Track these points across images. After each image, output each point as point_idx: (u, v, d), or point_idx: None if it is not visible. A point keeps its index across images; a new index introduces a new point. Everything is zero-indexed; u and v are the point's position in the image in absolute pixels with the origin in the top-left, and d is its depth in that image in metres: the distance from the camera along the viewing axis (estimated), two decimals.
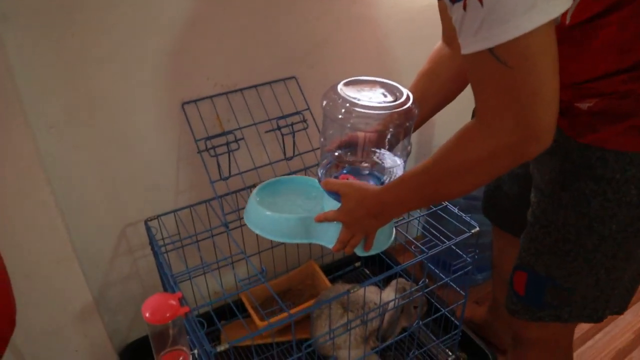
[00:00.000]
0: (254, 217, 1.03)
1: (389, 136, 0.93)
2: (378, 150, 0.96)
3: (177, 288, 0.99)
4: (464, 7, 0.58)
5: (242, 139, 1.19)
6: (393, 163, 0.97)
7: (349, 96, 0.90)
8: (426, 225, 1.19)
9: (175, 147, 1.22)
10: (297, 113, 1.25)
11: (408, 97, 0.91)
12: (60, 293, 1.15)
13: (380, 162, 0.96)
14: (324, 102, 0.93)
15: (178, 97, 1.17)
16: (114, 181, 1.18)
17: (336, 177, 0.96)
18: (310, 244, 1.33)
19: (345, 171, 0.96)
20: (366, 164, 0.97)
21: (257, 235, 1.02)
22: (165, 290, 1.22)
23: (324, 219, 0.93)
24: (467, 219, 1.14)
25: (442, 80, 0.96)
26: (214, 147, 1.15)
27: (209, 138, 1.16)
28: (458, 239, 1.09)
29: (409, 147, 0.97)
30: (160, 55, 1.10)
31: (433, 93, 0.97)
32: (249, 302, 1.42)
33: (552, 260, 0.83)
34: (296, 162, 1.26)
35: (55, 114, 1.04)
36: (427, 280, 1.09)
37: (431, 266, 1.12)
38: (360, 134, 0.94)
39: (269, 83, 1.25)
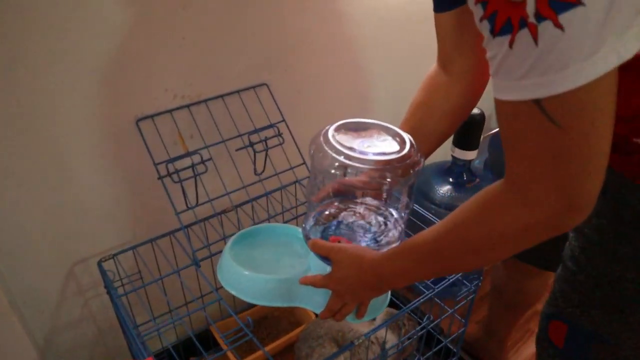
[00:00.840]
0: (229, 276, 0.89)
1: (387, 187, 0.79)
2: (374, 202, 0.82)
3: (146, 351, 0.83)
4: (510, 44, 0.45)
5: (210, 159, 1.01)
6: (392, 218, 0.83)
7: (342, 146, 0.75)
8: None
9: (130, 172, 1.04)
10: (270, 126, 1.08)
11: (412, 146, 0.77)
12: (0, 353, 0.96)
13: (376, 215, 0.83)
14: (312, 150, 0.79)
15: (131, 113, 0.98)
16: (56, 214, 0.99)
17: (325, 236, 0.82)
18: None
19: (335, 224, 0.83)
20: (360, 218, 0.83)
21: None
22: (125, 334, 1.06)
23: (310, 283, 0.79)
24: None
25: (439, 114, 0.83)
26: (177, 172, 0.97)
27: (170, 161, 0.98)
28: None
29: (412, 203, 0.84)
30: (106, 63, 0.91)
31: (430, 129, 0.83)
32: (218, 335, 1.27)
33: (602, 316, 0.72)
34: (272, 182, 1.10)
35: None
36: (432, 316, 0.97)
37: (438, 301, 1.00)
38: (354, 181, 0.80)
39: (238, 92, 1.08)
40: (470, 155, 1.44)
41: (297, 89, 1.18)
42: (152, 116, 1.00)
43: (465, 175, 1.47)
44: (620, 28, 0.41)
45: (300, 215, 1.14)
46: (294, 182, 1.14)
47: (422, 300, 0.92)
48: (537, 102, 0.45)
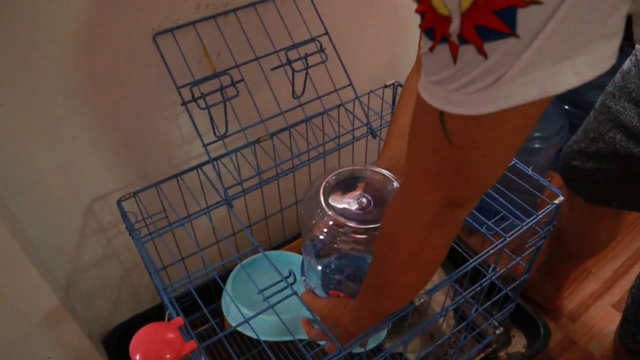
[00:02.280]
0: (232, 312, 0.92)
1: None
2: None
3: (176, 309, 0.72)
4: (431, 49, 0.40)
5: (241, 80, 0.86)
6: None
7: (334, 210, 0.76)
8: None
9: (149, 98, 0.89)
10: (311, 40, 0.91)
11: None
12: (15, 301, 0.87)
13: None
14: (303, 210, 0.81)
15: (146, 26, 0.82)
16: (65, 147, 0.86)
17: (325, 281, 0.82)
18: None
19: (333, 259, 0.81)
20: (363, 248, 0.78)
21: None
22: (150, 276, 0.96)
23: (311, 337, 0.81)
24: (547, 184, 0.87)
25: None
26: (203, 96, 0.82)
27: (195, 83, 0.83)
28: (540, 214, 0.83)
29: None
30: None
31: None
32: None
33: None
34: (313, 106, 0.94)
35: None
36: (497, 266, 0.84)
37: (508, 251, 0.86)
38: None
39: None
40: None
41: None
42: (171, 30, 0.84)
43: None
44: (553, 59, 0.35)
45: (344, 145, 0.99)
46: (338, 106, 0.98)
47: (491, 251, 0.79)
48: (441, 113, 0.42)
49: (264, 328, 0.89)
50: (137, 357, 0.64)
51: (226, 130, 0.86)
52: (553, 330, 1.21)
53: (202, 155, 0.99)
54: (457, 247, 1.17)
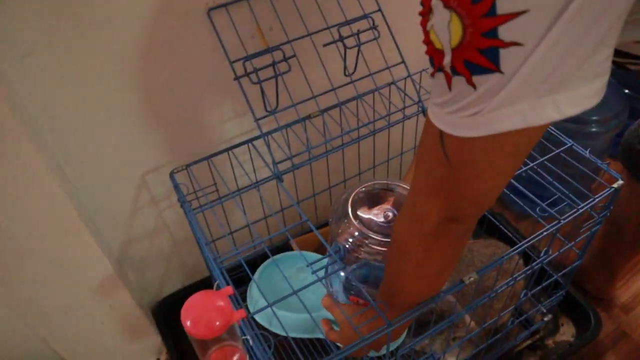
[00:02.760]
0: (253, 297, 0.96)
1: None
2: None
3: (225, 279, 0.73)
4: (432, 75, 0.44)
5: (293, 56, 0.86)
6: None
7: (360, 221, 0.82)
8: (539, 172, 0.89)
9: (201, 72, 0.90)
10: (364, 17, 0.90)
11: None
12: (72, 267, 0.90)
13: None
14: (330, 218, 0.86)
15: (200, 1, 0.83)
16: (121, 120, 0.88)
17: (347, 287, 0.86)
18: None
19: (356, 267, 0.84)
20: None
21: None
22: (201, 248, 0.98)
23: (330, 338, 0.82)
24: (605, 166, 0.84)
25: None
26: (255, 71, 0.83)
27: (248, 58, 0.83)
28: (597, 198, 0.80)
29: None
30: None
31: None
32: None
33: None
34: (365, 83, 0.94)
35: (31, 34, 0.72)
36: (550, 250, 0.82)
37: (560, 236, 0.84)
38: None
39: None
40: None
41: None
42: (225, 5, 0.84)
43: None
44: (535, 92, 0.38)
45: (394, 123, 0.98)
46: (390, 84, 0.97)
47: (544, 233, 0.77)
48: (440, 133, 0.45)
49: (287, 325, 0.90)
50: (188, 323, 0.66)
51: (277, 105, 0.87)
52: (604, 321, 1.17)
53: (253, 131, 1.00)
54: (505, 231, 1.15)
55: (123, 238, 1.05)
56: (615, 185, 0.80)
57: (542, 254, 0.81)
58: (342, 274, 0.88)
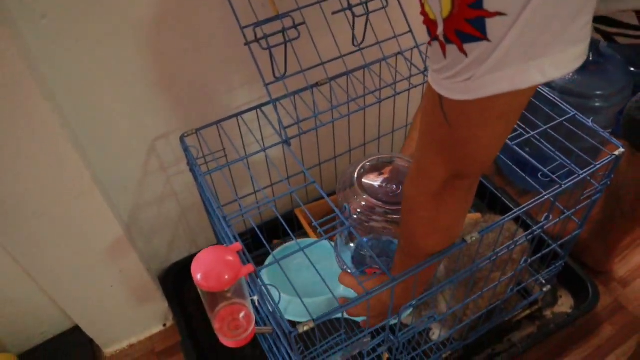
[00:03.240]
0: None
1: None
2: None
3: (234, 236, 0.76)
4: (429, 43, 0.48)
5: (303, 23, 0.87)
6: None
7: (368, 193, 0.84)
8: (542, 142, 0.90)
9: (213, 38, 0.92)
10: None
11: None
12: (84, 230, 0.93)
13: None
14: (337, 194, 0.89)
15: None
16: (132, 85, 0.90)
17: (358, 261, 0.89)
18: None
19: (366, 240, 0.88)
20: (393, 227, 0.84)
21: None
22: (209, 215, 1.00)
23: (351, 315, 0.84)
24: (607, 135, 0.86)
25: None
26: (266, 37, 0.84)
27: (258, 24, 0.85)
28: (598, 164, 0.82)
29: None
30: None
31: None
32: (304, 218, 1.20)
33: None
34: (372, 52, 0.95)
35: None
36: (551, 215, 0.84)
37: (559, 205, 0.86)
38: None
39: None
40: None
41: None
42: None
43: (590, 56, 1.25)
44: (521, 58, 0.42)
45: (400, 92, 1.00)
46: (397, 54, 0.99)
47: (546, 196, 0.79)
48: (440, 96, 0.49)
49: (302, 312, 0.88)
50: (199, 277, 0.68)
51: (285, 71, 0.88)
52: (602, 294, 1.20)
53: (261, 99, 1.02)
54: (508, 204, 1.17)
55: (132, 203, 1.07)
56: (616, 153, 0.82)
57: (542, 219, 0.83)
58: (352, 245, 0.89)
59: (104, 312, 1.12)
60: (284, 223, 0.76)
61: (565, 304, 1.23)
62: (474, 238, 0.72)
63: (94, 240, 0.96)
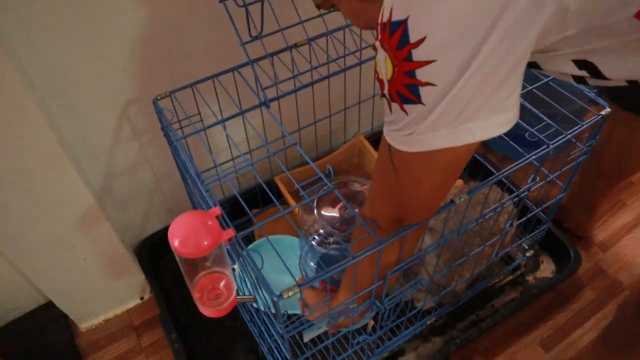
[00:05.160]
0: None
1: None
2: None
3: (213, 200, 0.72)
4: (381, 97, 0.52)
5: None
6: None
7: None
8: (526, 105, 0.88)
9: None
10: None
11: None
12: (52, 198, 0.88)
13: None
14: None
15: None
16: (102, 46, 0.85)
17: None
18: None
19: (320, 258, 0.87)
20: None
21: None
22: (185, 182, 0.96)
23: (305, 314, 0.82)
24: (592, 95, 0.84)
25: None
26: None
27: None
28: (585, 124, 0.80)
29: None
30: None
31: None
32: (284, 185, 1.17)
33: None
34: None
35: None
36: (537, 177, 0.82)
37: (545, 170, 0.84)
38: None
39: None
40: None
41: None
42: None
43: None
44: (453, 121, 0.46)
45: None
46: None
47: (533, 157, 0.77)
48: (389, 145, 0.53)
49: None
50: (176, 243, 0.65)
51: (262, 30, 0.84)
52: (583, 259, 1.20)
53: (239, 61, 0.97)
54: (491, 169, 1.15)
55: (104, 172, 1.03)
56: (602, 113, 0.80)
57: (529, 180, 0.81)
58: (312, 264, 0.89)
59: (78, 286, 1.08)
60: (265, 186, 0.72)
61: (546, 269, 1.23)
62: (462, 199, 0.69)
63: (63, 210, 0.92)
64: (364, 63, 0.93)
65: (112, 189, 1.07)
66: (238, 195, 0.73)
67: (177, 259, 0.69)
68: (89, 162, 0.99)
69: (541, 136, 0.78)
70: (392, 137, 0.52)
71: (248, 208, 0.74)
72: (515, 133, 0.78)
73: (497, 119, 0.47)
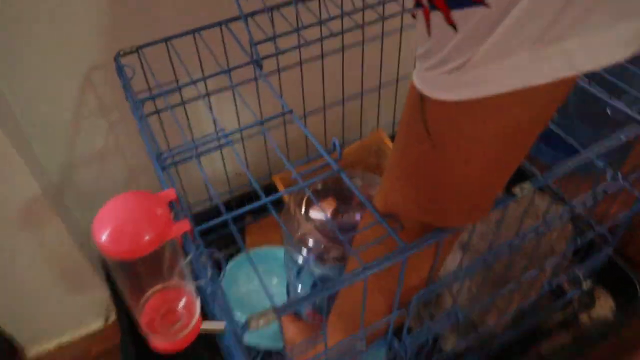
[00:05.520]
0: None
1: None
2: None
3: (169, 181, 0.52)
4: (413, 15, 0.34)
5: None
6: None
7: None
8: None
9: None
10: None
11: None
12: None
13: None
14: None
15: None
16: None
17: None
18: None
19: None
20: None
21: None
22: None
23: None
24: None
25: None
26: None
27: None
28: None
29: None
30: None
31: None
32: (284, 185, 0.95)
33: None
34: None
35: None
36: (619, 176, 0.61)
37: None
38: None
39: None
40: None
41: None
42: None
43: None
44: (538, 38, 0.28)
45: (410, 10, 0.75)
46: None
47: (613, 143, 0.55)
48: (421, 96, 0.35)
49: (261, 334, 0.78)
50: (103, 237, 0.43)
51: None
52: None
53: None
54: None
55: (63, 160, 0.83)
56: None
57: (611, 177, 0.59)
58: (300, 286, 0.74)
59: (23, 300, 0.87)
60: (256, 184, 0.52)
61: (604, 305, 1.00)
62: (526, 191, 0.47)
63: (1, 201, 0.72)
64: (387, 19, 0.71)
65: (74, 181, 0.87)
66: (206, 180, 0.53)
67: (109, 264, 0.47)
68: (42, 144, 0.79)
69: (632, 112, 0.55)
70: (428, 79, 0.33)
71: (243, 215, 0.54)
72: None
73: (614, 31, 0.27)
